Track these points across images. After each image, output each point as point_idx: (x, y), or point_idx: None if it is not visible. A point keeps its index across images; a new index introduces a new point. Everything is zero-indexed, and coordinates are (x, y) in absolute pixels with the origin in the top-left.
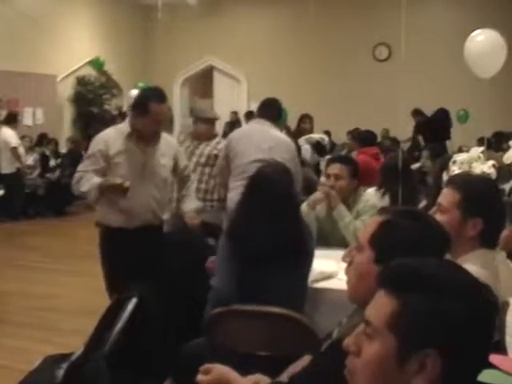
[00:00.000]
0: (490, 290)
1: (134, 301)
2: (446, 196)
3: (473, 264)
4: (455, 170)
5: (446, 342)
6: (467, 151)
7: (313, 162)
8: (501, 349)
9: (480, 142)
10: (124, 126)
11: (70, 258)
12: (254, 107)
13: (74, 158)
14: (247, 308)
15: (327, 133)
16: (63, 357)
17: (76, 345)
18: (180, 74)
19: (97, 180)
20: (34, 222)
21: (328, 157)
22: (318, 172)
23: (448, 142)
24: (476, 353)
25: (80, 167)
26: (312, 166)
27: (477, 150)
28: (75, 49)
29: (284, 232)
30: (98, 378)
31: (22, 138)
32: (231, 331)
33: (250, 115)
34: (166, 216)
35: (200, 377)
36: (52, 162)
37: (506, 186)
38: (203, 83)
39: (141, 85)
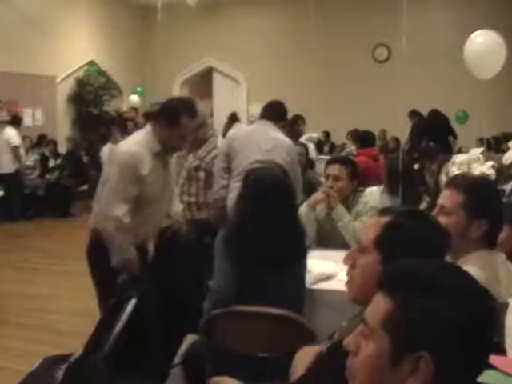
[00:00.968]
0: (489, 294)
1: (133, 302)
2: (449, 197)
3: (474, 265)
4: (454, 170)
5: (439, 344)
6: (467, 152)
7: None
8: (500, 350)
9: (479, 142)
10: (148, 140)
11: (69, 260)
12: (253, 108)
13: (73, 158)
14: (246, 309)
15: (326, 133)
16: (62, 358)
17: (76, 346)
18: (179, 75)
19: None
20: (34, 223)
21: (327, 157)
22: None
23: (451, 139)
24: (473, 355)
25: (117, 203)
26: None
27: (476, 151)
28: (75, 50)
29: (281, 235)
30: (97, 379)
31: (23, 138)
32: (230, 332)
33: (234, 118)
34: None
35: None
36: (51, 163)
37: (506, 187)
38: (203, 84)
39: (139, 89)
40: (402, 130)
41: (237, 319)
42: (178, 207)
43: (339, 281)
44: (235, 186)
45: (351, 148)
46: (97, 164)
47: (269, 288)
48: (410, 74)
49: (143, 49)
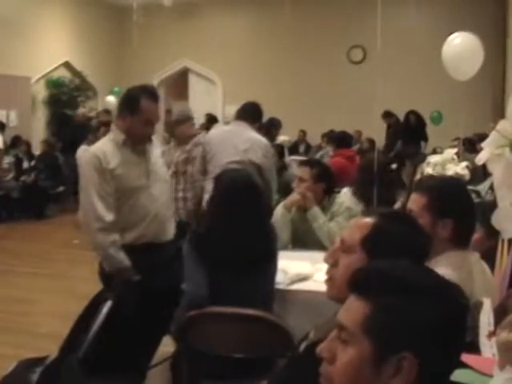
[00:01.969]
0: (461, 291)
1: (108, 304)
2: (415, 201)
3: (445, 266)
4: (429, 171)
5: (420, 343)
6: (441, 153)
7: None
8: (474, 349)
9: (455, 143)
10: (115, 135)
11: (45, 262)
12: (229, 109)
13: (48, 160)
14: (222, 310)
15: (303, 132)
16: (37, 361)
17: (52, 349)
18: (156, 76)
19: (125, 262)
20: (7, 225)
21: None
22: None
23: (423, 143)
24: (450, 353)
25: (94, 203)
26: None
27: (450, 152)
28: (49, 50)
29: (250, 236)
30: (72, 381)
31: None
32: (206, 334)
33: (212, 119)
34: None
35: None
36: (25, 164)
37: (481, 187)
38: (179, 85)
39: (116, 89)
40: (376, 131)
41: (212, 321)
42: None
43: (315, 281)
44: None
45: (328, 149)
46: (73, 166)
47: (239, 289)
48: (385, 75)
49: (119, 49)
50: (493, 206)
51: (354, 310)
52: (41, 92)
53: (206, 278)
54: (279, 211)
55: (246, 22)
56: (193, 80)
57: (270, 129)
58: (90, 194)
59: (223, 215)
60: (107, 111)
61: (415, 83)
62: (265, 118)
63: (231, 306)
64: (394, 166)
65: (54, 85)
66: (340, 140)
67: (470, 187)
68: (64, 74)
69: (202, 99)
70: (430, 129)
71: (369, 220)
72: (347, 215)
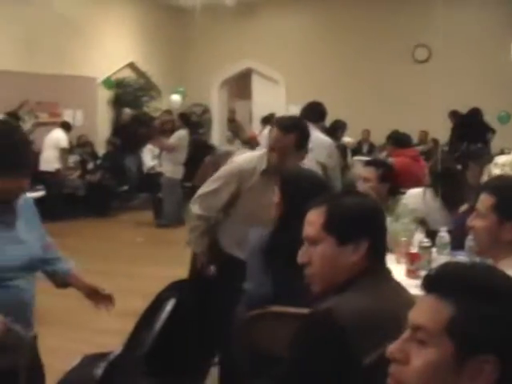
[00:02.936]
0: None
1: (172, 301)
2: (482, 201)
3: None
4: (497, 172)
5: (502, 347)
6: (509, 153)
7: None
8: None
9: None
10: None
11: (108, 259)
12: (292, 109)
13: (112, 159)
14: (286, 310)
15: (367, 131)
16: (101, 356)
17: (114, 344)
18: (218, 76)
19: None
20: (74, 223)
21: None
22: None
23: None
24: None
25: (207, 195)
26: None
27: None
28: (114, 52)
29: None
30: (135, 378)
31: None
32: (268, 333)
33: (266, 120)
34: None
35: None
36: (90, 165)
37: None
38: (241, 85)
39: (181, 89)
40: (442, 131)
41: (275, 321)
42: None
43: None
44: None
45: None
46: (136, 165)
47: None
48: (450, 74)
49: (181, 50)
50: None
51: (434, 310)
52: (106, 92)
53: (271, 278)
54: None
55: (308, 22)
56: (256, 80)
57: (336, 131)
58: (215, 186)
59: (291, 215)
60: (169, 112)
61: (481, 83)
62: (328, 117)
63: (291, 305)
64: (459, 166)
65: (119, 85)
66: (398, 140)
67: None
68: (129, 74)
69: (266, 99)
70: (498, 129)
71: (318, 209)
72: (412, 217)
